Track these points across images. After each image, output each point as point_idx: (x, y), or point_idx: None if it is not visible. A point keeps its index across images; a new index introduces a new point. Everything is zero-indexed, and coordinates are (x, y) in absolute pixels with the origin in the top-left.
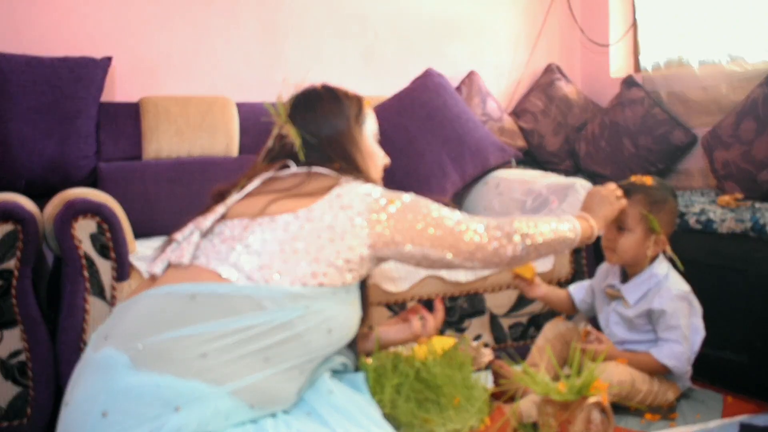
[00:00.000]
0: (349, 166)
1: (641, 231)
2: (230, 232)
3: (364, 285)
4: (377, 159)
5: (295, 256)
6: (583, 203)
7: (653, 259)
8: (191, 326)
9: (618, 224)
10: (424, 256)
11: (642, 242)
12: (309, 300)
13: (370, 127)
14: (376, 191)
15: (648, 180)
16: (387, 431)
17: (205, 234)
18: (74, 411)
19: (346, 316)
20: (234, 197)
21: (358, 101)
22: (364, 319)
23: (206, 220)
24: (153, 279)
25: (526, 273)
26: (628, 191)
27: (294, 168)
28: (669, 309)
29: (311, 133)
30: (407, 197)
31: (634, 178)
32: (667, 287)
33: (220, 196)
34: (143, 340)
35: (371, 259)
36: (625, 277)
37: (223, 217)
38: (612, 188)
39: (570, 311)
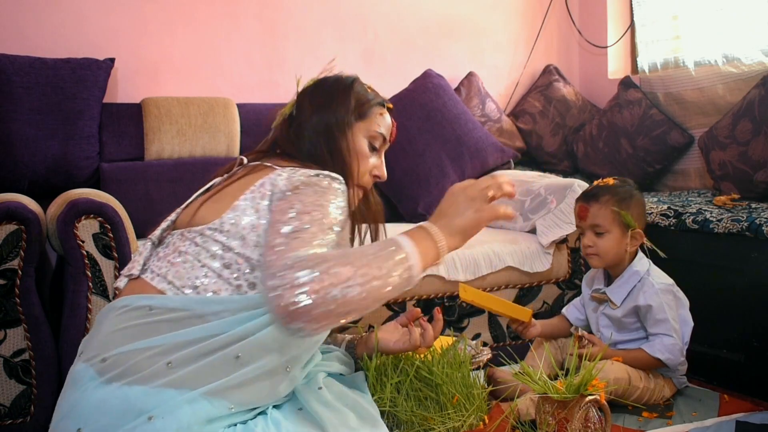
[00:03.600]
0: (324, 153)
1: (617, 229)
2: (173, 246)
3: None
4: (364, 162)
5: (227, 270)
6: (440, 206)
7: (633, 256)
8: (151, 338)
9: (594, 230)
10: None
11: (621, 240)
12: (255, 308)
13: (371, 128)
14: (297, 180)
15: (610, 180)
16: (377, 427)
17: (160, 242)
18: (54, 429)
19: None
20: (187, 201)
21: (374, 99)
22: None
23: (157, 229)
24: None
25: (523, 317)
26: (596, 194)
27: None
28: (654, 303)
29: (304, 106)
30: (311, 198)
31: (596, 182)
32: (650, 282)
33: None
34: (107, 354)
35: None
36: (610, 280)
37: (176, 222)
38: (482, 186)
39: (568, 333)
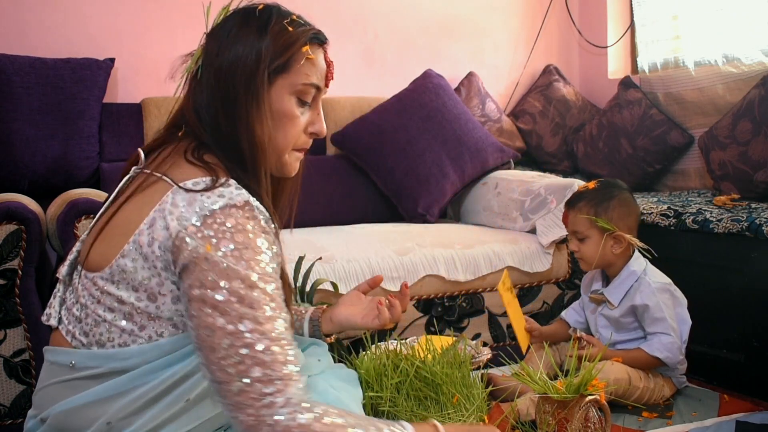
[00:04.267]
0: (231, 124)
1: (596, 234)
2: (74, 291)
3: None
4: (294, 125)
5: (131, 322)
6: (467, 427)
7: (628, 256)
8: (79, 394)
9: (576, 236)
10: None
11: (600, 245)
12: (177, 350)
13: (297, 81)
14: (205, 212)
15: (591, 184)
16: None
17: (69, 279)
18: None
19: None
20: (93, 221)
21: (300, 38)
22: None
23: (64, 266)
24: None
25: (522, 342)
26: (572, 201)
27: (140, 165)
28: (651, 303)
29: (206, 61)
30: (232, 258)
31: (579, 187)
32: (647, 282)
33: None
34: (44, 414)
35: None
36: (608, 280)
37: (78, 257)
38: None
39: (567, 336)
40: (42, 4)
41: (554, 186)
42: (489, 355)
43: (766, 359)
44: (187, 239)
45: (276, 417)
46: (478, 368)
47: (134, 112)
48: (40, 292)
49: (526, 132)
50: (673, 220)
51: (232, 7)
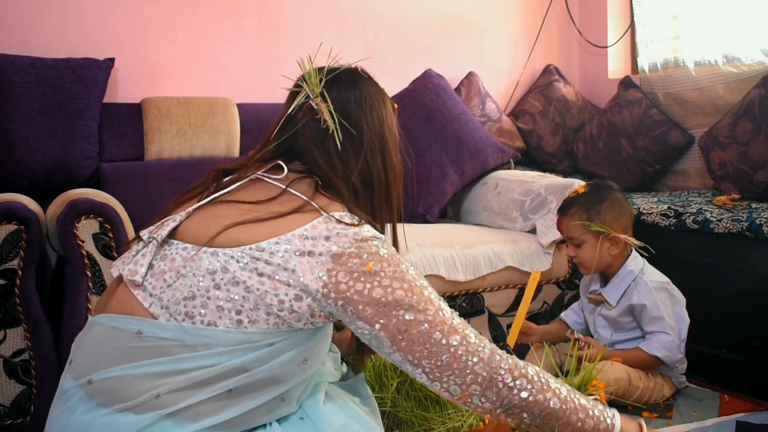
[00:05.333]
0: (382, 171)
1: (591, 239)
2: (171, 261)
3: None
4: (401, 172)
5: (230, 303)
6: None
7: (626, 256)
8: (136, 363)
9: (571, 242)
10: (392, 348)
11: (596, 248)
12: (252, 343)
13: (399, 136)
14: (354, 240)
15: (580, 189)
16: None
17: (162, 244)
18: None
19: (319, 350)
20: (202, 202)
21: (392, 101)
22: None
23: (164, 228)
24: (113, 289)
25: (510, 338)
26: (564, 208)
27: (284, 173)
28: (649, 302)
29: (349, 118)
30: (391, 268)
31: (570, 192)
32: (644, 281)
33: (218, 177)
34: (93, 376)
35: (328, 312)
36: (606, 281)
37: (177, 228)
38: None
39: (566, 337)
40: (42, 4)
41: (554, 186)
42: None
43: (766, 359)
44: (348, 259)
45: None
46: None
47: (134, 112)
48: (40, 292)
49: (526, 132)
50: (674, 220)
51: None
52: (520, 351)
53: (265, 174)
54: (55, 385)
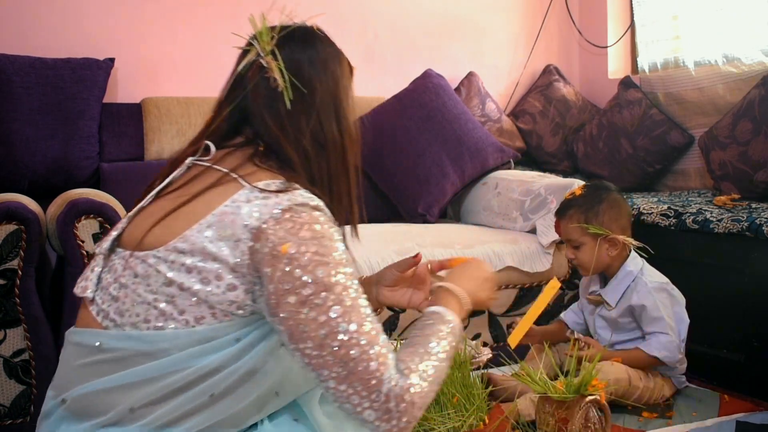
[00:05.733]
0: (339, 130)
1: (589, 241)
2: (114, 271)
3: None
4: (358, 137)
5: (170, 306)
6: (464, 275)
7: (625, 257)
8: (104, 378)
9: (570, 244)
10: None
11: (595, 250)
12: (214, 340)
13: (353, 86)
14: (278, 211)
15: (578, 190)
16: None
17: (108, 255)
18: None
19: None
20: (139, 205)
21: (349, 60)
22: None
23: (106, 240)
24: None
25: (512, 339)
26: (562, 210)
27: (212, 152)
28: (648, 303)
29: (302, 77)
30: (309, 253)
31: (567, 194)
32: (644, 282)
33: (174, 166)
34: (66, 394)
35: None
36: (606, 281)
37: (122, 235)
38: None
39: (566, 338)
40: (42, 4)
41: (554, 186)
42: (489, 355)
43: (766, 359)
44: (266, 235)
45: (389, 385)
46: (478, 368)
47: (134, 112)
48: (40, 292)
49: (526, 132)
50: (673, 220)
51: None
52: (521, 351)
53: (198, 159)
54: None
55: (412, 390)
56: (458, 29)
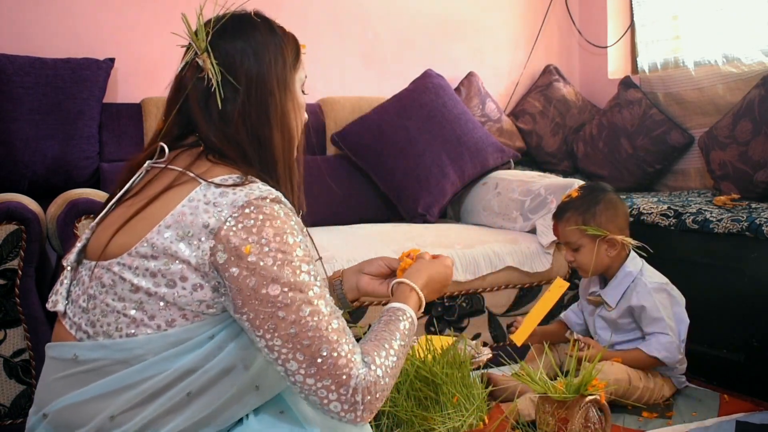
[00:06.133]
0: (269, 125)
1: (588, 242)
2: (82, 283)
3: None
4: (303, 112)
5: (140, 313)
6: (424, 270)
7: (625, 257)
8: (83, 389)
9: (569, 246)
10: (261, 341)
11: (594, 251)
12: (184, 342)
13: (301, 76)
14: (236, 210)
15: (574, 192)
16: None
17: (76, 268)
18: None
19: None
20: (98, 217)
21: (295, 40)
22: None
23: (72, 253)
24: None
25: (517, 337)
26: (559, 213)
27: (166, 154)
28: (648, 303)
29: (235, 71)
30: (272, 250)
31: (563, 197)
32: (643, 282)
33: (131, 172)
34: (46, 409)
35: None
36: (605, 282)
37: (88, 245)
38: (451, 265)
39: (565, 338)
40: (42, 4)
41: (554, 186)
42: (489, 355)
43: (766, 359)
44: (227, 235)
45: (357, 380)
46: (478, 368)
47: (134, 112)
48: (40, 292)
49: (526, 132)
50: (673, 220)
51: (207, 13)
52: (521, 351)
53: (154, 162)
54: None
55: (378, 384)
56: (458, 29)
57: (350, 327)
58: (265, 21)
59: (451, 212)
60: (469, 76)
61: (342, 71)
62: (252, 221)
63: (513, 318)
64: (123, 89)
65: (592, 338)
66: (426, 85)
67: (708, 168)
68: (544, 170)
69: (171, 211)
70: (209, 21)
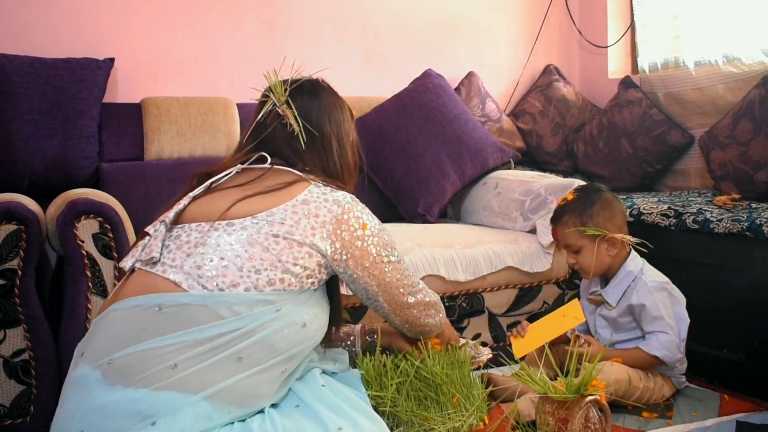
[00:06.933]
0: (339, 167)
1: (588, 243)
2: (186, 237)
3: (335, 287)
4: (356, 167)
5: (250, 263)
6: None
7: (625, 256)
8: (158, 338)
9: (569, 249)
10: (378, 293)
11: (595, 252)
12: (268, 305)
13: (357, 139)
14: (347, 203)
15: (569, 195)
16: (375, 422)
17: (170, 229)
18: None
19: (315, 313)
20: (198, 189)
21: (349, 105)
22: (338, 321)
23: (171, 212)
24: (123, 283)
25: (522, 350)
26: (557, 216)
27: (268, 163)
28: (648, 302)
29: (312, 122)
30: (377, 227)
31: (559, 200)
32: (643, 281)
33: (206, 177)
34: (113, 355)
35: (329, 268)
36: (606, 281)
37: (183, 215)
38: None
39: (567, 339)
40: (42, 4)
41: (554, 186)
42: (489, 356)
43: (766, 359)
44: (348, 219)
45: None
46: (478, 368)
47: (134, 112)
48: (40, 292)
49: (526, 132)
50: (674, 220)
51: (282, 75)
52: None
53: (248, 166)
54: (56, 385)
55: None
56: (458, 29)
57: (348, 326)
58: (329, 87)
59: (451, 212)
60: (469, 76)
61: (342, 71)
62: (360, 207)
63: (513, 318)
64: (123, 89)
65: (593, 337)
66: (426, 85)
67: (708, 168)
68: (544, 170)
69: (295, 197)
70: (286, 80)
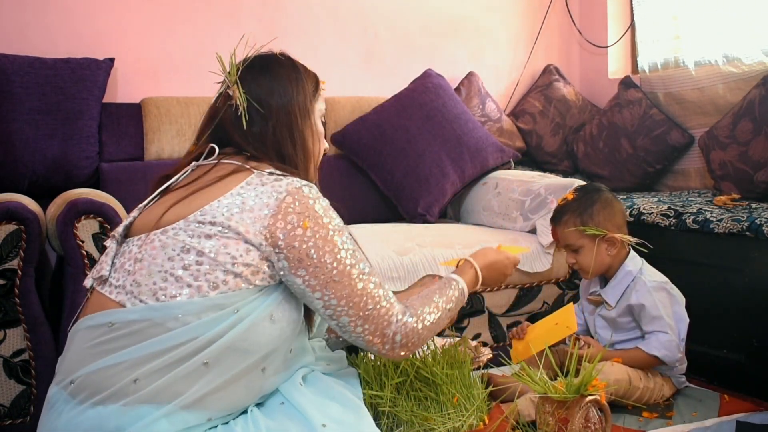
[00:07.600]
0: (293, 149)
1: (588, 243)
2: (129, 253)
3: None
4: (323, 141)
5: (187, 272)
6: (489, 255)
7: (625, 255)
8: (113, 354)
9: (569, 249)
10: (320, 302)
11: (595, 251)
12: (221, 309)
13: (320, 107)
14: (288, 193)
15: (569, 195)
16: (358, 415)
17: (121, 243)
18: None
19: (283, 307)
20: (152, 197)
21: (315, 77)
22: (309, 325)
23: (120, 226)
24: (85, 302)
25: (519, 355)
26: (557, 216)
27: (215, 155)
28: (647, 302)
29: (260, 99)
30: (325, 223)
31: (559, 201)
32: (643, 281)
33: (165, 180)
34: (74, 375)
35: (280, 262)
36: (606, 282)
37: (131, 228)
38: (516, 262)
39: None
40: (42, 4)
41: (554, 186)
42: (489, 355)
43: (766, 359)
44: (286, 211)
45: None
46: (478, 368)
47: (134, 112)
48: (40, 292)
49: (526, 132)
50: (674, 220)
51: (240, 55)
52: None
53: (201, 162)
54: None
55: (415, 331)
56: (458, 29)
57: None
58: (288, 59)
59: (451, 212)
60: (469, 76)
61: (342, 71)
62: (305, 200)
63: (513, 318)
64: (123, 89)
65: (593, 338)
66: (426, 85)
67: (708, 168)
68: (544, 170)
69: (230, 190)
70: (245, 59)
